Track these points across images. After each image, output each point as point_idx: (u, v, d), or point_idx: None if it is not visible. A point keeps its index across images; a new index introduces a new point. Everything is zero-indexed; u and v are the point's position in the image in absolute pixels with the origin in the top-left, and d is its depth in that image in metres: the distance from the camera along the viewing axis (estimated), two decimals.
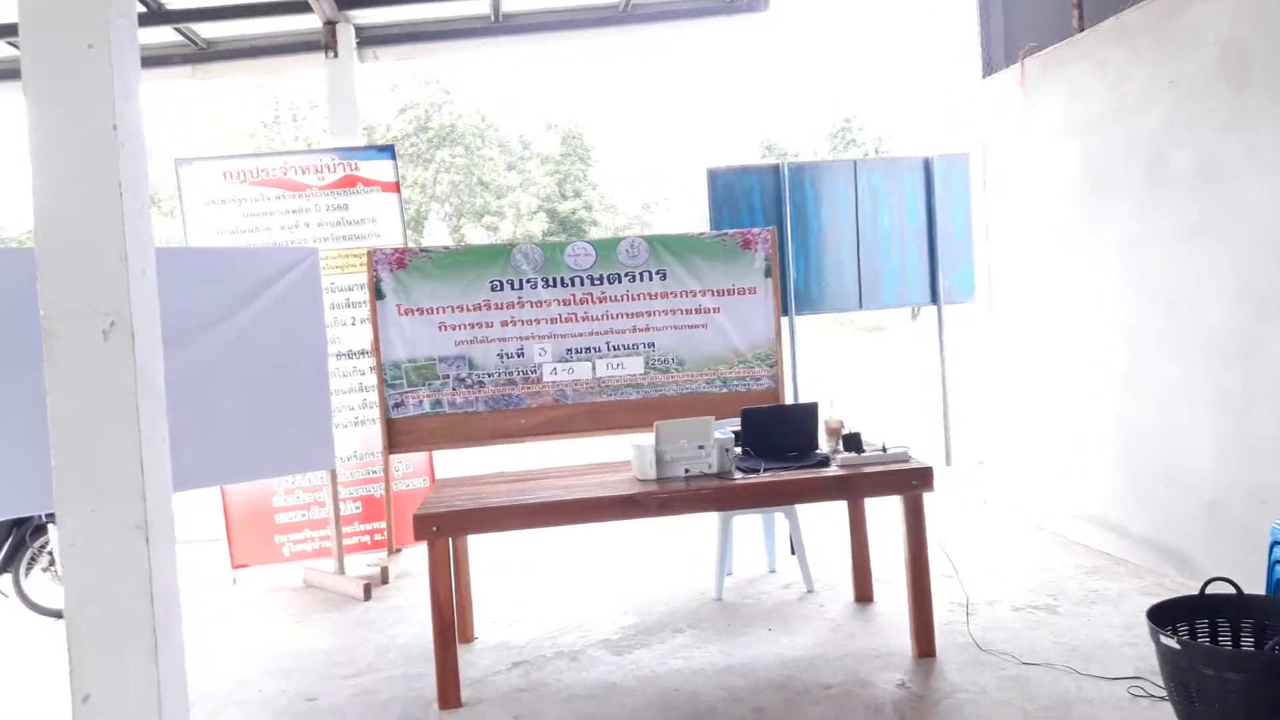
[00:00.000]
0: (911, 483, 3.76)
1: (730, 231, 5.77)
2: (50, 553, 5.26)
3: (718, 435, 3.97)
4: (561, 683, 3.87)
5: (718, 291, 5.71)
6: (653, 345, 5.67)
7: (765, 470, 3.90)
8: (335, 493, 5.32)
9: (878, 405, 11.71)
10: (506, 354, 5.59)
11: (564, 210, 31.10)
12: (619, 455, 4.67)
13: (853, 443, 3.97)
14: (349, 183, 5.61)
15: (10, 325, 4.11)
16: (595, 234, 30.19)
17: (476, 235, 29.63)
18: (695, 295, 5.69)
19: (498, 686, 3.88)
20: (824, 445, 4.27)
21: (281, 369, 5.08)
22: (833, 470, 3.88)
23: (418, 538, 3.62)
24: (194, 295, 4.75)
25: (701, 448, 3.89)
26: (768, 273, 5.73)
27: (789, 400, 6.22)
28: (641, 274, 5.66)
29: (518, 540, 5.97)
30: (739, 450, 4.16)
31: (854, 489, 3.83)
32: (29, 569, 5.22)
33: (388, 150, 5.68)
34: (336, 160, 5.59)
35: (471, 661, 4.16)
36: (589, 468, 4.47)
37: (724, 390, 5.72)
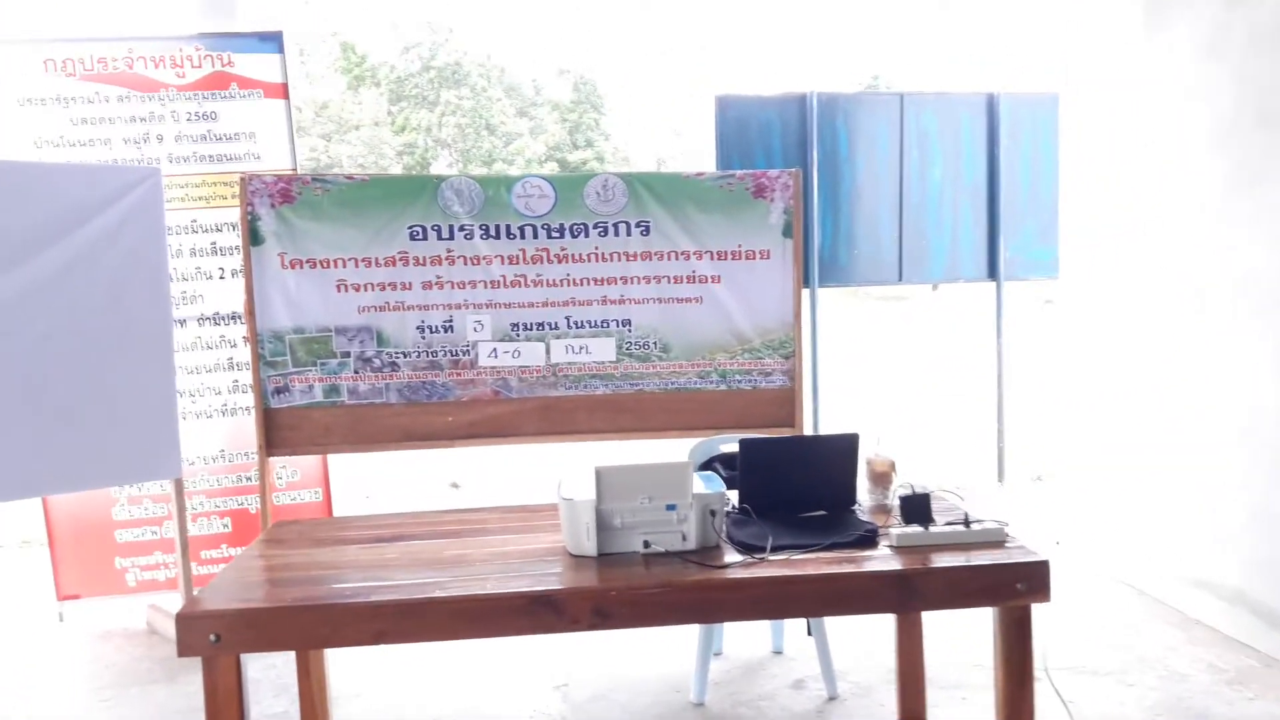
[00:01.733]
0: (1016, 587, 2.28)
1: (738, 173, 4.24)
2: None
3: (699, 487, 2.50)
4: None
5: (718, 254, 4.20)
6: (628, 323, 4.18)
7: (773, 550, 2.42)
8: (182, 509, 3.86)
9: (910, 402, 10.22)
10: (429, 327, 4.11)
11: (574, 160, 29.44)
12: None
13: (917, 510, 2.47)
14: (219, 82, 4.09)
15: None
16: None
17: None
18: (688, 258, 4.19)
19: None
20: (865, 497, 2.80)
21: (104, 339, 3.60)
22: (884, 556, 2.40)
23: (183, 651, 2.16)
24: None
25: (672, 508, 2.42)
26: (787, 231, 4.22)
27: (808, 404, 4.73)
28: (616, 226, 4.16)
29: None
30: (733, 508, 2.69)
31: (921, 595, 2.33)
32: None
33: (273, 39, 4.13)
34: (203, 51, 4.06)
35: None
36: (513, 514, 3.01)
37: (721, 387, 4.24)
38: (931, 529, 2.43)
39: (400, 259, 4.10)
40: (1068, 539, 4.95)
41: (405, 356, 4.14)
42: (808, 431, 4.57)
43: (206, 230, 4.15)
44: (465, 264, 4.13)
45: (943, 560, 2.33)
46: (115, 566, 4.20)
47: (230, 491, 4.29)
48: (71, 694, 3.61)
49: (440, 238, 4.11)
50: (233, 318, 4.18)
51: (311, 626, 2.23)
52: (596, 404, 4.23)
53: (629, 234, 4.17)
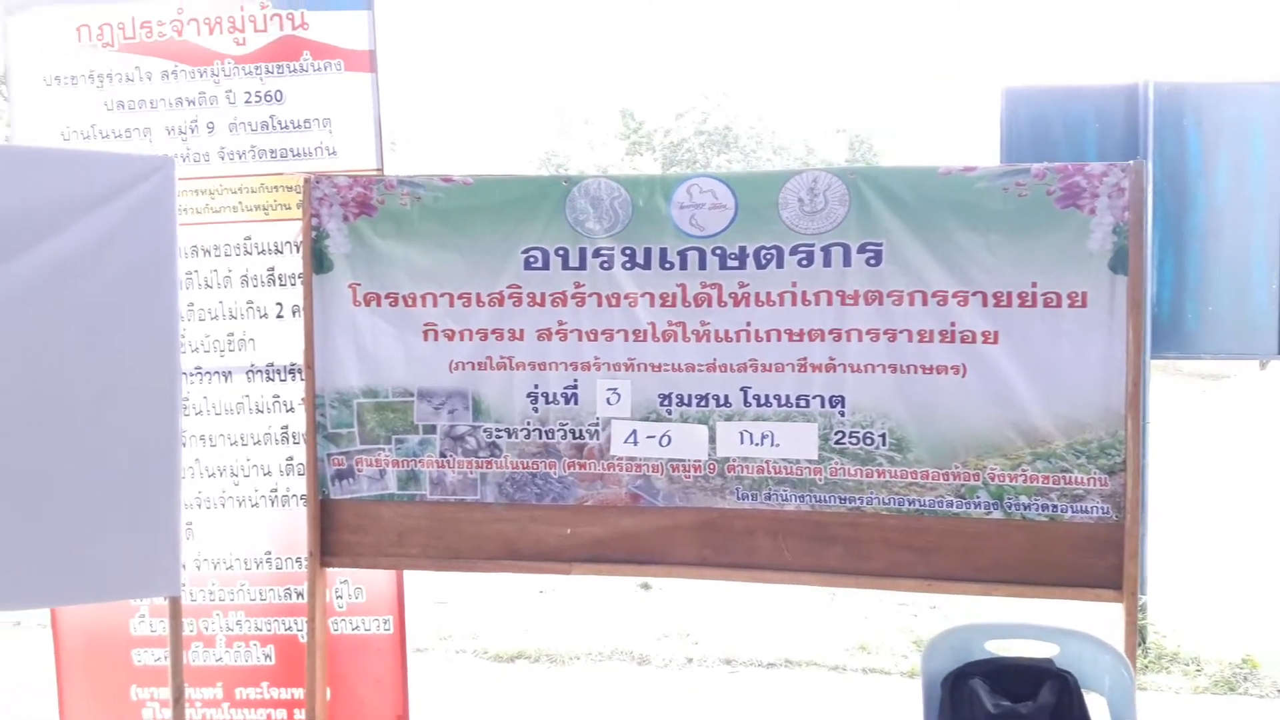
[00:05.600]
0: None
1: (1034, 167, 2.62)
2: None
3: None
4: None
5: (996, 296, 2.59)
6: (840, 401, 2.65)
7: None
8: (178, 644, 2.71)
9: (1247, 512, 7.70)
10: (544, 395, 2.80)
11: None
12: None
13: None
14: (288, 50, 3.03)
15: None
16: None
17: None
18: (944, 301, 2.61)
19: None
20: None
21: (83, 395, 2.56)
22: None
23: None
24: None
25: None
26: (1118, 262, 2.54)
27: (1146, 549, 2.93)
28: (828, 250, 2.66)
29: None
30: None
31: None
32: None
33: None
34: (269, 10, 3.01)
35: None
36: None
37: (995, 515, 2.59)
38: None
39: (510, 295, 2.82)
40: None
41: (510, 436, 2.84)
42: (1145, 598, 2.79)
43: (264, 251, 3.07)
44: (599, 304, 2.78)
45: None
46: (129, 697, 3.14)
47: (276, 610, 3.13)
48: None
49: (566, 266, 2.80)
50: (291, 371, 3.06)
51: None
52: (786, 525, 2.71)
53: (848, 263, 2.66)
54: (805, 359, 2.67)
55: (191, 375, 3.05)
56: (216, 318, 3.08)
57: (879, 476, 2.66)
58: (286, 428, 3.09)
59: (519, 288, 2.82)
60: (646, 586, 5.94)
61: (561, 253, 2.80)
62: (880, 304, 2.65)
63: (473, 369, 2.85)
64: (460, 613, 5.23)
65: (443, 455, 2.88)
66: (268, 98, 3.03)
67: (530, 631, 4.92)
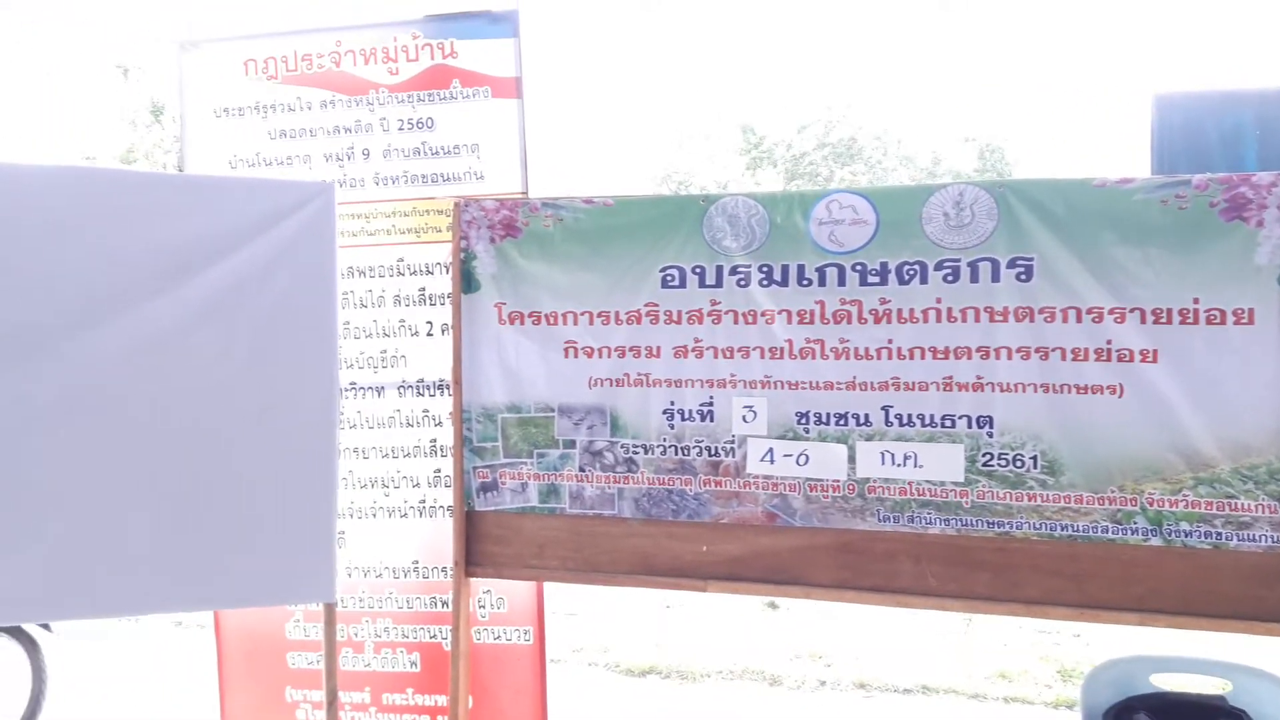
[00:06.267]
0: None
1: (1196, 178, 2.50)
2: None
3: None
4: None
5: (1155, 314, 2.48)
6: (989, 422, 2.58)
7: None
8: (332, 649, 2.84)
9: None
10: (680, 412, 2.82)
11: None
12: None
13: None
14: (438, 79, 3.16)
15: None
16: None
17: None
18: (1099, 318, 2.51)
19: None
20: None
21: (245, 409, 2.72)
22: None
23: None
24: (60, 259, 2.55)
25: None
26: None
27: None
28: (975, 266, 2.60)
29: None
30: None
31: None
32: None
33: (506, 20, 3.10)
34: (420, 40, 3.15)
35: None
36: None
37: (1154, 541, 2.47)
38: None
39: (648, 313, 2.86)
40: None
41: (646, 452, 2.87)
42: None
43: (415, 272, 3.21)
44: (735, 322, 2.79)
45: None
46: (284, 698, 3.30)
47: (422, 618, 3.24)
48: None
49: (703, 284, 2.82)
50: (440, 387, 3.18)
51: None
52: (930, 549, 2.64)
53: (996, 278, 2.59)
54: (951, 378, 2.61)
55: (346, 390, 3.20)
56: (370, 335, 3.23)
57: (1029, 500, 2.57)
58: (435, 441, 3.21)
59: (656, 306, 2.86)
60: (774, 605, 5.89)
61: (699, 271, 2.82)
62: (1031, 321, 2.56)
63: (611, 385, 2.90)
64: (589, 625, 5.29)
65: (582, 470, 2.93)
66: (419, 125, 3.17)
67: (660, 646, 4.94)
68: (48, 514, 2.56)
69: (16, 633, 3.60)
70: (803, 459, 2.73)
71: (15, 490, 2.53)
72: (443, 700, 3.18)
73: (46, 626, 3.61)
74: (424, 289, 3.21)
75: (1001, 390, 2.59)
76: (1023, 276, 2.57)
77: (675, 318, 2.84)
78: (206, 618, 4.20)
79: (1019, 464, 2.58)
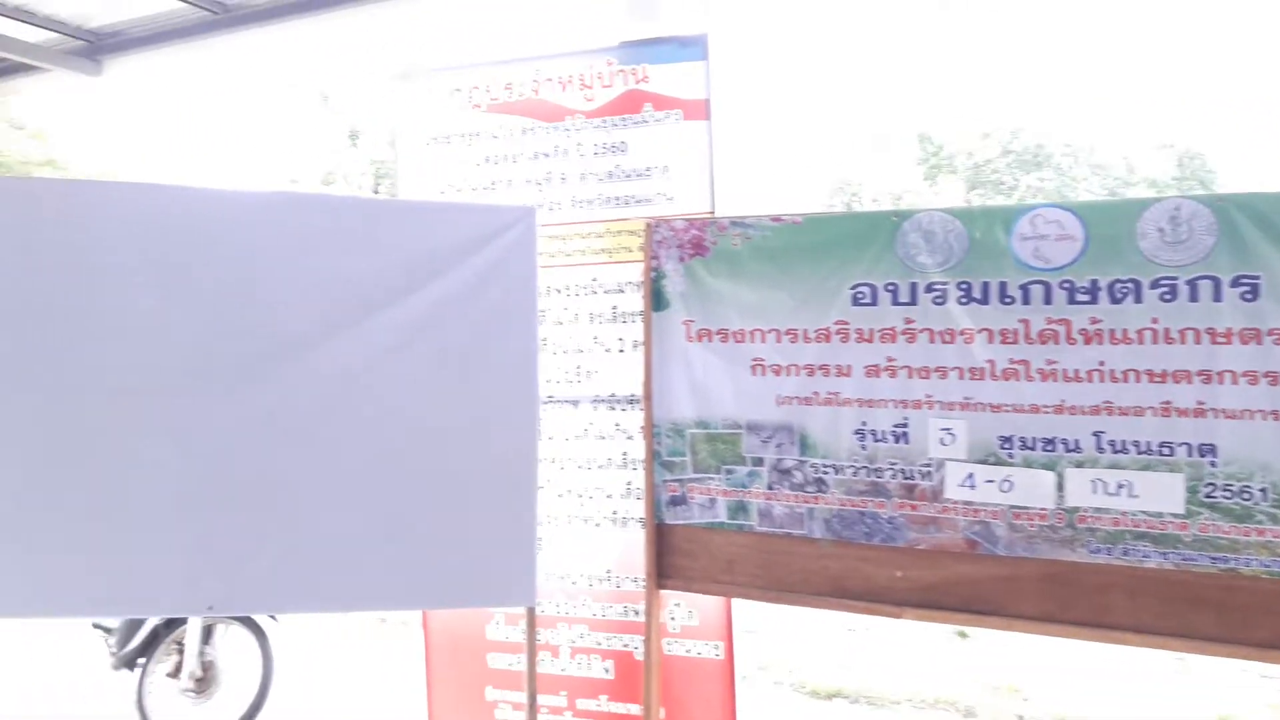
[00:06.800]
0: None
1: None
2: (181, 650, 3.74)
3: None
4: None
5: None
6: (1211, 450, 2.41)
7: None
8: (532, 648, 2.96)
9: None
10: (873, 433, 2.78)
11: None
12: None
13: None
14: (631, 104, 3.25)
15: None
16: None
17: None
18: None
19: None
20: None
21: (454, 420, 2.89)
22: None
23: None
24: (297, 280, 2.78)
25: None
26: None
27: None
28: (1194, 284, 2.44)
29: None
30: None
31: None
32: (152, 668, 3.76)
33: (696, 44, 3.15)
34: (615, 66, 3.25)
35: None
36: None
37: None
38: None
39: (838, 332, 2.84)
40: None
41: (837, 472, 2.84)
42: None
43: (608, 291, 3.31)
44: (932, 341, 2.72)
45: None
46: (484, 698, 3.46)
47: (616, 626, 3.32)
48: None
49: (896, 301, 2.77)
50: (630, 402, 3.26)
51: None
52: (1146, 584, 2.49)
53: (1218, 298, 2.42)
54: (1169, 402, 2.45)
55: (545, 403, 3.33)
56: (566, 352, 3.35)
57: (1259, 535, 2.38)
58: (626, 454, 3.29)
59: (846, 324, 2.83)
60: (963, 634, 5.66)
61: (891, 288, 2.78)
62: (1259, 343, 2.38)
63: (799, 404, 2.89)
64: (770, 643, 5.25)
65: (770, 487, 2.93)
66: (613, 149, 3.27)
67: (847, 669, 4.85)
68: (280, 516, 2.79)
69: (247, 622, 3.93)
70: (1006, 485, 2.63)
71: (252, 495, 2.78)
72: (635, 709, 3.25)
73: (273, 617, 3.92)
74: (615, 307, 3.30)
75: (1226, 417, 2.41)
76: (1248, 296, 2.39)
77: (867, 336, 2.80)
78: (408, 616, 4.46)
79: (1246, 496, 2.39)
